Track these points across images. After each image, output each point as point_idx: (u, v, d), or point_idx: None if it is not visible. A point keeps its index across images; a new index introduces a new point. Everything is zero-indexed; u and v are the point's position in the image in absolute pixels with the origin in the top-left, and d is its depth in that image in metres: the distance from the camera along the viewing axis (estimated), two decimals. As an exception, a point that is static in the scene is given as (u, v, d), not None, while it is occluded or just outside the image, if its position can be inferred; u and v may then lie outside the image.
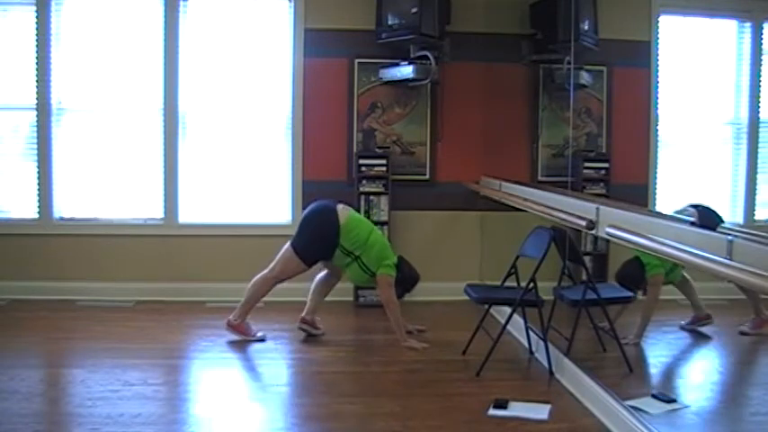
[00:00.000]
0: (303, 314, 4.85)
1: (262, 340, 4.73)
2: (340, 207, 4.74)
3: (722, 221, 3.97)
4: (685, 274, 4.26)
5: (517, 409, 3.60)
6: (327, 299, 5.02)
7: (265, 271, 4.75)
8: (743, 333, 4.21)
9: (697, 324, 4.38)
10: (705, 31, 4.55)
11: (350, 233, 4.64)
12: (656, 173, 4.74)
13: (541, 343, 4.26)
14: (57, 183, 5.77)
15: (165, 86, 5.74)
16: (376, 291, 5.30)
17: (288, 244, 4.73)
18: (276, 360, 4.50)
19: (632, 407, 3.40)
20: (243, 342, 4.71)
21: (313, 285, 4.92)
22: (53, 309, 5.40)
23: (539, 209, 4.37)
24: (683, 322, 4.44)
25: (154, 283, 5.75)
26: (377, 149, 5.84)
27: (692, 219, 3.01)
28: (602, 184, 5.00)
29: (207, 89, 5.82)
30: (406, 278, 4.76)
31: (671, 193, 4.71)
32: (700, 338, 4.50)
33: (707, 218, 3.99)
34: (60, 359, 4.46)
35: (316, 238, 4.68)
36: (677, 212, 4.37)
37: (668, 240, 2.92)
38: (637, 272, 4.26)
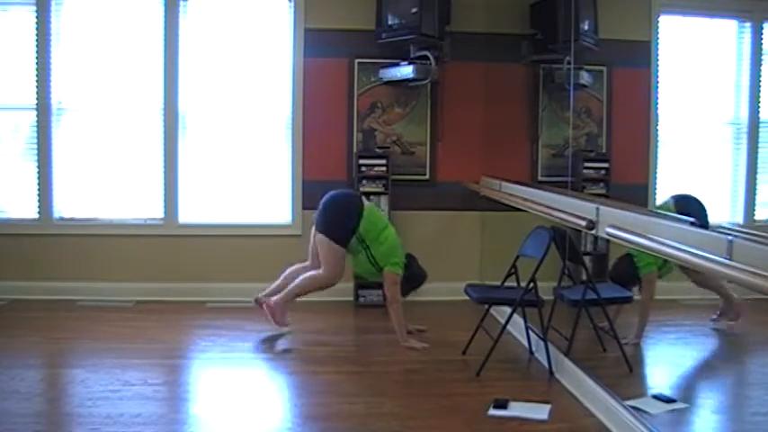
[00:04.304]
0: (262, 294, 4.88)
1: (282, 334, 4.75)
2: (362, 197, 4.90)
3: (704, 210, 3.97)
4: None
5: (517, 409, 3.61)
6: (328, 299, 5.02)
7: (318, 272, 4.75)
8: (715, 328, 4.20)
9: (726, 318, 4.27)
10: (705, 31, 4.55)
11: (369, 220, 4.71)
12: (655, 173, 4.73)
13: (541, 343, 4.26)
14: (57, 183, 5.77)
15: (165, 86, 5.74)
16: (378, 290, 5.33)
17: (319, 238, 4.73)
18: (276, 360, 4.50)
19: (632, 407, 3.40)
20: (242, 342, 4.72)
21: (287, 272, 4.93)
22: (53, 309, 5.40)
23: (539, 209, 4.37)
24: (714, 316, 4.30)
25: (154, 283, 5.74)
26: (377, 149, 5.84)
27: (691, 219, 3.00)
28: (602, 184, 4.99)
29: (207, 89, 5.82)
30: (414, 276, 4.80)
31: (671, 193, 4.71)
32: (699, 337, 4.50)
33: (687, 207, 3.98)
34: (60, 359, 4.46)
35: (340, 219, 4.72)
36: (659, 206, 4.37)
37: (668, 240, 2.92)
38: (629, 268, 4.25)
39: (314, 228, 4.85)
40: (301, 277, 4.80)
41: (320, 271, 4.76)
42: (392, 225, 4.96)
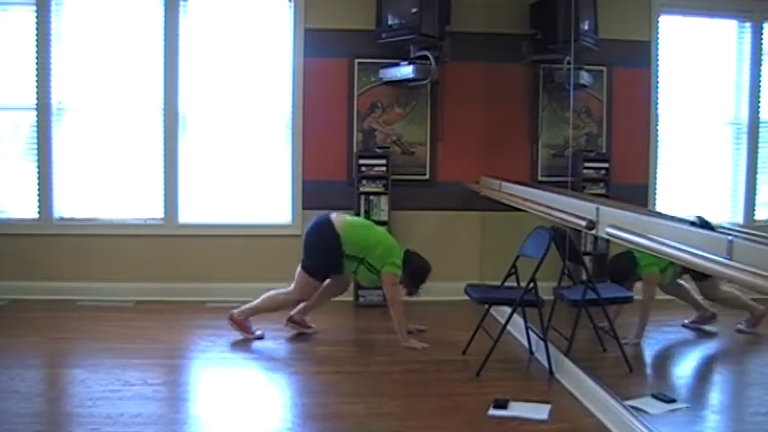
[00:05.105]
0: (293, 312, 4.87)
1: (260, 338, 4.76)
2: (333, 216, 4.75)
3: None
4: (679, 281, 4.23)
5: (517, 409, 3.61)
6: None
7: (287, 290, 4.75)
8: (739, 331, 4.21)
9: (702, 323, 4.36)
10: (705, 31, 4.55)
11: (350, 239, 4.65)
12: (656, 173, 4.74)
13: (541, 343, 4.26)
14: (57, 183, 5.77)
15: (165, 86, 5.74)
16: (379, 290, 5.32)
17: (299, 267, 4.74)
18: (276, 360, 4.50)
19: (632, 407, 3.40)
20: (243, 342, 4.72)
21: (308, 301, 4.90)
22: (53, 309, 5.40)
23: (539, 209, 4.37)
24: (686, 321, 4.43)
25: (154, 283, 5.75)
26: (377, 149, 5.84)
27: (691, 219, 3.01)
28: (602, 184, 5.00)
29: (207, 89, 5.82)
30: (417, 270, 4.72)
31: (671, 193, 4.71)
32: (699, 338, 4.50)
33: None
34: (60, 359, 4.46)
35: (320, 255, 4.70)
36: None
37: (668, 240, 2.92)
38: (628, 266, 4.24)
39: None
40: (271, 295, 4.76)
41: (289, 294, 4.74)
42: (380, 226, 4.95)
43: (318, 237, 4.72)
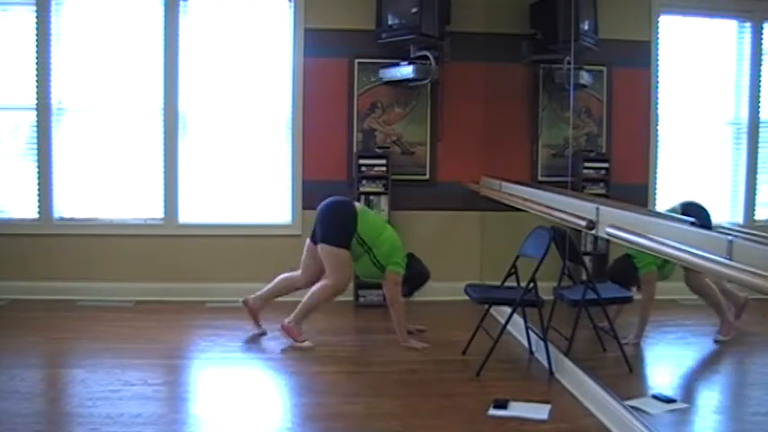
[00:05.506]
0: (251, 296, 4.83)
1: (310, 348, 4.62)
2: (353, 201, 4.88)
3: (710, 220, 3.97)
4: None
5: (517, 409, 3.61)
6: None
7: (325, 282, 4.66)
8: (717, 341, 4.19)
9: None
10: (705, 31, 4.55)
11: (365, 221, 4.69)
12: (655, 173, 4.73)
13: (541, 343, 4.26)
14: (57, 183, 5.77)
15: (165, 86, 5.74)
16: (379, 290, 5.32)
17: (320, 249, 4.66)
18: (276, 360, 4.50)
19: (632, 407, 3.40)
20: (242, 342, 4.72)
21: (277, 278, 4.90)
22: (53, 309, 5.40)
23: (539, 209, 4.37)
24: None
25: (154, 283, 5.74)
26: (377, 149, 5.84)
27: (691, 219, 3.00)
28: (602, 184, 5.00)
29: (207, 89, 5.82)
30: (416, 275, 4.77)
31: (671, 193, 4.71)
32: (699, 338, 4.50)
33: (693, 214, 3.98)
34: (60, 359, 4.46)
35: (338, 224, 4.69)
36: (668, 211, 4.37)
37: (668, 240, 2.92)
38: (628, 269, 4.25)
39: (308, 240, 4.82)
40: (309, 292, 4.67)
41: (327, 280, 4.66)
42: (390, 225, 4.97)
43: (337, 208, 4.76)
